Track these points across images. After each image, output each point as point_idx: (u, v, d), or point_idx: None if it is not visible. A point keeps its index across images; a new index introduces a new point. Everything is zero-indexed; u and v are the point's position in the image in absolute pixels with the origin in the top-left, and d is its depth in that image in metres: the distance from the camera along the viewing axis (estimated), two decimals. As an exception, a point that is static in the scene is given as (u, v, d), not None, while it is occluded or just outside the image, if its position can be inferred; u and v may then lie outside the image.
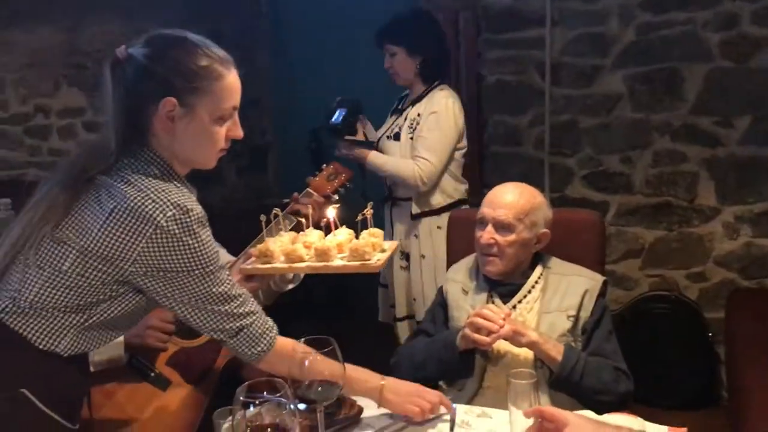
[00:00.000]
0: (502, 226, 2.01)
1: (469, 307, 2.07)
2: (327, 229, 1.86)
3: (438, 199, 3.02)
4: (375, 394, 1.67)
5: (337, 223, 1.87)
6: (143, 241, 1.38)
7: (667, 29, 3.42)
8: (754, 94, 3.33)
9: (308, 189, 2.23)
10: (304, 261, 1.76)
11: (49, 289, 1.41)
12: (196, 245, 1.41)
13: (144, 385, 1.83)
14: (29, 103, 4.36)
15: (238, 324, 1.50)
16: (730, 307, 3.32)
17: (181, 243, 1.39)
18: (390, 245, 1.86)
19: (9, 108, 4.37)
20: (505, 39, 3.73)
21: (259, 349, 1.53)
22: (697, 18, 3.36)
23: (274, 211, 1.88)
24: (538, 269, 2.09)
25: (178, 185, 1.47)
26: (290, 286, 2.25)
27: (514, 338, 1.87)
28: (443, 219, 2.84)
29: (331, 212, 1.87)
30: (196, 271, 1.42)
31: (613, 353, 1.98)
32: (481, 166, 3.93)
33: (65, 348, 1.42)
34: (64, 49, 4.17)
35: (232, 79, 1.48)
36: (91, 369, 1.64)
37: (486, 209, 2.06)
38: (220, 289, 1.46)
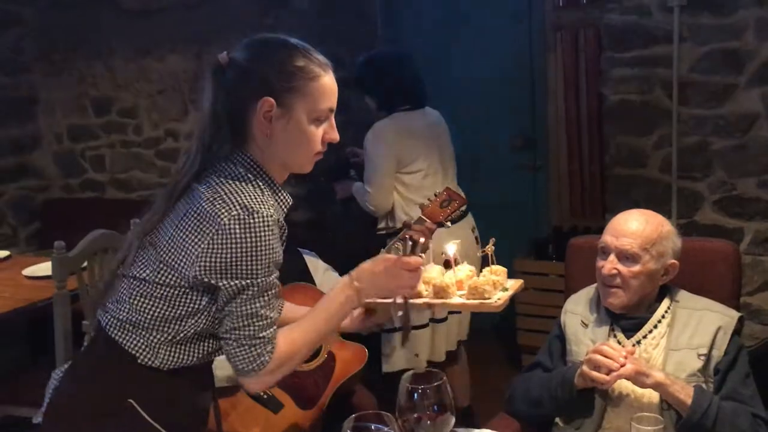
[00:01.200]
0: (626, 257, 1.90)
1: (589, 341, 1.97)
2: (447, 265, 1.81)
3: (382, 224, 3.18)
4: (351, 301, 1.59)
5: (458, 259, 1.80)
6: (206, 241, 1.38)
7: (810, 43, 3.16)
8: None
9: (421, 216, 2.21)
10: (422, 297, 1.71)
11: (139, 299, 1.45)
12: (257, 245, 1.38)
13: (256, 407, 1.86)
14: (160, 128, 4.60)
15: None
16: None
17: (242, 242, 1.37)
18: (513, 284, 1.78)
19: (142, 132, 4.63)
20: (629, 57, 3.56)
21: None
22: None
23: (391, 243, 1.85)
24: (665, 302, 1.96)
25: (262, 188, 1.46)
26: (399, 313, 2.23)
27: (637, 378, 1.75)
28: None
29: (452, 248, 1.80)
30: (249, 279, 1.40)
31: (750, 398, 1.82)
32: (603, 189, 3.78)
33: (163, 362, 1.45)
34: (190, 75, 4.38)
35: (328, 80, 1.49)
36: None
37: (609, 237, 1.94)
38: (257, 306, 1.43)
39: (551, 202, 4.10)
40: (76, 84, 4.64)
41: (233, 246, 1.37)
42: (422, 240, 2.15)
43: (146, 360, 1.44)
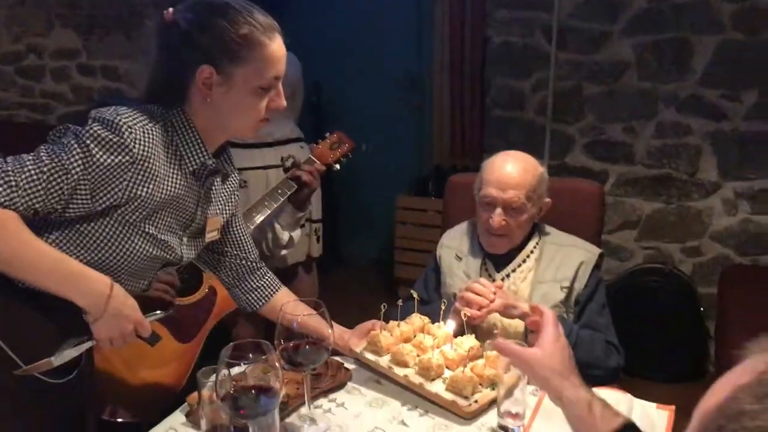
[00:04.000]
0: (513, 209, 1.95)
1: (463, 274, 2.04)
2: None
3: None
4: None
5: (465, 330, 1.72)
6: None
7: (679, -3, 3.34)
8: (763, 68, 3.27)
9: (311, 156, 2.20)
10: (408, 367, 1.65)
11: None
12: (79, 136, 1.34)
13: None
14: (22, 42, 4.25)
15: None
16: (723, 283, 3.31)
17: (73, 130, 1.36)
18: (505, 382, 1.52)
19: (0, 46, 4.26)
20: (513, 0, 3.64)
21: None
22: (711, -13, 3.28)
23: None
24: (535, 238, 2.06)
25: (173, 137, 1.44)
26: (284, 252, 2.23)
27: (506, 311, 1.84)
28: None
29: (451, 325, 1.75)
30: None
31: (605, 327, 1.96)
32: (482, 130, 3.88)
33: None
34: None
35: (274, 47, 1.44)
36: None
37: (494, 190, 1.95)
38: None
39: (433, 141, 4.17)
40: None
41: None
42: (308, 180, 2.14)
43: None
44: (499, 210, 1.95)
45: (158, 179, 1.41)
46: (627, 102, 3.53)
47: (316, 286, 3.28)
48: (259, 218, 2.08)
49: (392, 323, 1.75)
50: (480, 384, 1.58)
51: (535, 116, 3.74)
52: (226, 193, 1.66)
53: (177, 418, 1.53)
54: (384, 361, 1.68)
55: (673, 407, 1.57)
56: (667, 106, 3.47)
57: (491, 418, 1.53)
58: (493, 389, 1.58)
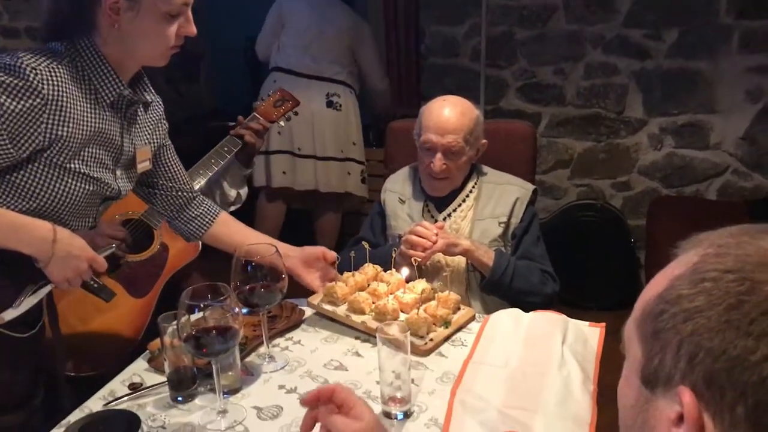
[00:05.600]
0: (452, 152, 2.02)
1: (407, 215, 2.13)
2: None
3: None
4: None
5: (416, 275, 1.80)
6: None
7: (602, -61, 3.44)
8: (683, 7, 3.41)
9: (254, 113, 2.22)
10: (365, 314, 1.72)
11: None
12: None
13: (86, 295, 1.84)
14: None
15: None
16: (651, 214, 3.50)
17: None
18: (458, 318, 1.72)
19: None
20: (444, -54, 3.68)
21: None
22: (631, -72, 3.38)
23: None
24: (473, 179, 2.15)
25: (83, 70, 1.42)
26: (232, 208, 2.27)
27: (448, 250, 1.94)
28: None
29: (405, 272, 1.80)
30: None
31: (540, 257, 2.08)
32: (419, 78, 3.94)
33: None
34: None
35: None
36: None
37: (433, 136, 2.02)
38: None
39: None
40: None
41: None
42: (251, 140, 2.17)
43: None
44: (439, 155, 2.02)
45: (76, 116, 1.40)
46: (556, 45, 3.64)
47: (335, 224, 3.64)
48: (206, 175, 2.11)
49: (346, 274, 1.81)
50: (434, 324, 1.67)
51: (469, 62, 3.82)
52: (151, 122, 1.65)
53: (139, 365, 1.59)
54: (341, 310, 1.75)
55: (603, 324, 1.70)
56: (594, 47, 3.59)
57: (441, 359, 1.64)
58: (446, 327, 1.68)
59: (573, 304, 3.36)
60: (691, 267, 0.66)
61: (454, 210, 2.13)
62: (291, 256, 1.72)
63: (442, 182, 2.08)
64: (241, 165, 2.23)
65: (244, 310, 1.50)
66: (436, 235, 1.92)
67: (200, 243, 2.23)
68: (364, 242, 1.89)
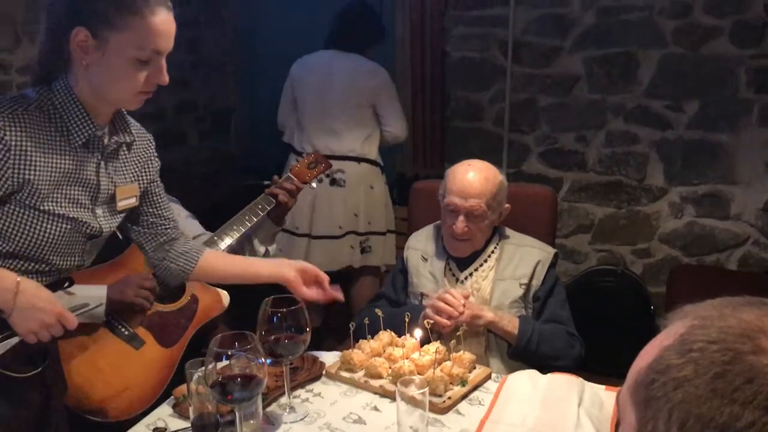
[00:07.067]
0: (474, 216, 2.07)
1: (428, 273, 2.18)
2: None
3: None
4: None
5: (430, 337, 1.85)
6: None
7: (625, 14, 3.55)
8: (703, 81, 3.49)
9: (289, 174, 2.30)
10: (383, 378, 1.76)
11: None
12: None
13: (117, 342, 1.88)
14: (-11, 57, 4.25)
15: None
16: (671, 282, 3.50)
17: None
18: (473, 377, 1.77)
19: (-35, 62, 4.26)
20: (470, 16, 3.81)
21: None
22: (654, 5, 3.49)
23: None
24: (495, 240, 2.20)
25: (52, 115, 1.45)
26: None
27: (473, 321, 1.97)
28: None
29: (418, 333, 1.84)
30: None
31: (567, 320, 2.11)
32: (443, 140, 4.03)
33: None
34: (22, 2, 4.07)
35: (155, 20, 1.40)
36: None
37: (456, 199, 2.07)
38: None
39: (395, 150, 4.29)
40: None
41: None
42: (284, 199, 2.24)
43: None
44: (461, 217, 2.07)
45: (41, 161, 1.42)
46: (578, 113, 3.73)
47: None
48: (239, 231, 2.16)
49: (362, 341, 1.86)
50: (450, 383, 1.70)
51: (492, 127, 3.92)
52: (138, 160, 1.65)
53: (164, 410, 1.63)
54: (359, 376, 1.78)
55: (619, 389, 1.71)
56: (616, 117, 3.67)
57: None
58: (463, 385, 1.71)
59: (592, 370, 3.33)
60: (678, 338, 0.69)
61: (476, 269, 2.16)
62: (290, 269, 1.78)
63: (463, 243, 2.13)
64: (273, 223, 2.28)
65: (268, 361, 1.53)
66: (463, 305, 1.95)
67: (226, 296, 2.28)
68: (377, 309, 1.92)
